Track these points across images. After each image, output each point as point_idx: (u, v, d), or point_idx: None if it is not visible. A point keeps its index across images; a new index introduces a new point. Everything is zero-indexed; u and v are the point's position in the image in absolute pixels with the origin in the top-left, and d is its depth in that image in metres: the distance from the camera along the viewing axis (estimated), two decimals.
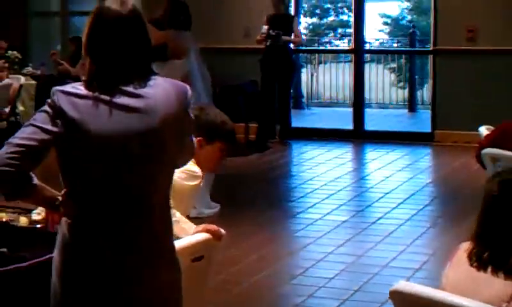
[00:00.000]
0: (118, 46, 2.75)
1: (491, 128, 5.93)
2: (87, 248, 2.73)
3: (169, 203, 2.85)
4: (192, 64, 7.89)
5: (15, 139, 2.67)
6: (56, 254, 2.81)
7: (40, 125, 2.69)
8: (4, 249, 3.39)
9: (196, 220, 4.54)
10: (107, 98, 2.71)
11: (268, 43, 10.73)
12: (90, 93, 2.71)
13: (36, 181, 2.71)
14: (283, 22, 10.81)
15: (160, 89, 2.76)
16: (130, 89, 2.73)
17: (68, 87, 2.75)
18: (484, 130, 5.93)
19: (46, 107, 2.72)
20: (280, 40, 10.68)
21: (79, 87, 2.74)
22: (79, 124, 2.67)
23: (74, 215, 2.73)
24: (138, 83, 2.74)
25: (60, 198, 2.73)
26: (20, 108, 10.52)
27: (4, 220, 3.83)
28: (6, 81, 10.13)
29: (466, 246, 2.98)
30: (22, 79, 10.47)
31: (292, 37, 10.95)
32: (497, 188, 2.93)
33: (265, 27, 10.74)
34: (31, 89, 10.71)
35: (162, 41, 7.67)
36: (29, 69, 11.47)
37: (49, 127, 2.68)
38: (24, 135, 2.67)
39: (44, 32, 13.44)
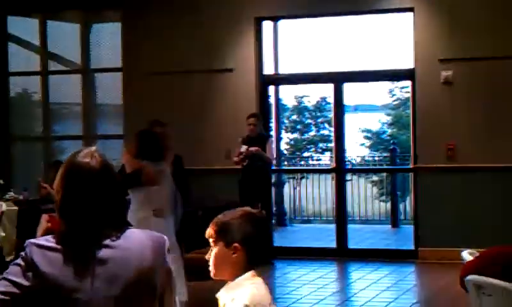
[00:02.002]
0: (91, 204, 2.73)
1: (474, 252, 5.91)
2: None
3: None
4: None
5: None
6: None
7: (12, 278, 2.67)
8: None
9: None
10: (79, 251, 2.70)
11: (245, 163, 10.77)
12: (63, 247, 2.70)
13: None
14: (258, 143, 10.85)
15: (135, 241, 2.75)
16: (104, 242, 2.71)
17: (41, 240, 2.74)
18: (466, 255, 5.91)
19: (19, 260, 2.72)
20: (257, 159, 10.70)
21: (52, 240, 2.73)
22: (50, 278, 2.66)
23: None
24: (114, 235, 2.73)
25: None
26: (1, 234, 10.39)
27: None
28: None
29: None
30: (4, 206, 10.36)
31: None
32: None
33: (244, 147, 10.80)
34: (13, 214, 10.56)
35: (137, 168, 7.63)
36: (11, 194, 11.36)
37: (20, 280, 2.66)
38: None
39: (27, 156, 13.45)
